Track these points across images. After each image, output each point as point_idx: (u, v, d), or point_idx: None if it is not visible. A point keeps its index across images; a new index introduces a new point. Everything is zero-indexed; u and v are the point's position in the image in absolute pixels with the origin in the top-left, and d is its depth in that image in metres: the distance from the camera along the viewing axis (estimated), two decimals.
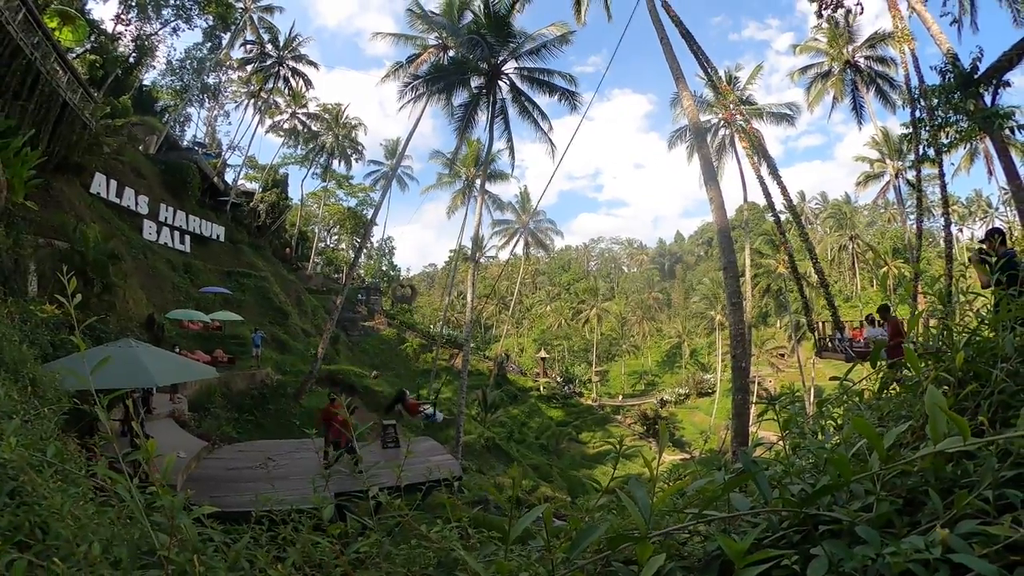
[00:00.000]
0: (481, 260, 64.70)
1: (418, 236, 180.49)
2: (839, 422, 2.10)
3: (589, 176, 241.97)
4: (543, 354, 66.99)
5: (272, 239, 44.44)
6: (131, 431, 7.93)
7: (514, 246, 57.19)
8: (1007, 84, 11.36)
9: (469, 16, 26.11)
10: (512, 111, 27.84)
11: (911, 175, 25.80)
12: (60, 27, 20.39)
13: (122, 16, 33.79)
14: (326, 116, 49.41)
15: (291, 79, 43.25)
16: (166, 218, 29.71)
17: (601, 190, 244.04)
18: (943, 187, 12.82)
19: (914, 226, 17.45)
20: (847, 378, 2.15)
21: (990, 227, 6.84)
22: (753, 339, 40.35)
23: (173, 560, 1.25)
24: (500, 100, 27.19)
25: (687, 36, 14.77)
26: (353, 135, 50.41)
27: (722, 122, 30.47)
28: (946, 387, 1.67)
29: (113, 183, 25.59)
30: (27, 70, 13.55)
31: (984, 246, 4.73)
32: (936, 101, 11.50)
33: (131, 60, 34.11)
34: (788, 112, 31.73)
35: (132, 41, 34.82)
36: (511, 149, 30.92)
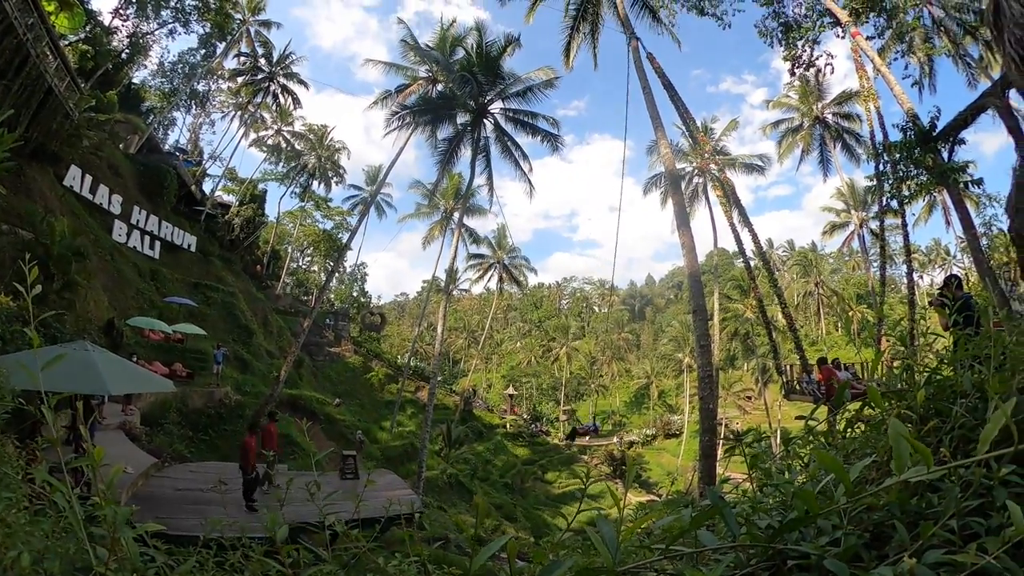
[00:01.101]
0: (454, 293, 64.61)
1: (392, 264, 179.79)
2: (806, 460, 2.13)
3: (565, 216, 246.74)
4: (511, 391, 66.32)
5: (244, 254, 43.53)
6: (77, 439, 7.46)
7: (488, 280, 57.35)
8: (962, 141, 12.41)
9: (461, 52, 26.86)
10: (495, 149, 28.49)
11: (874, 225, 27.46)
12: (57, 12, 20.09)
13: (121, 11, 33.36)
14: (311, 136, 49.48)
15: (280, 95, 43.35)
16: (138, 221, 28.83)
17: (576, 230, 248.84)
18: (906, 236, 13.65)
19: (877, 273, 18.43)
20: (812, 417, 2.20)
21: (948, 274, 7.30)
22: (721, 381, 41.01)
23: None
24: (484, 138, 27.81)
25: (668, 87, 15.55)
26: (336, 158, 50.49)
27: (696, 170, 31.87)
28: (909, 424, 1.72)
29: (88, 178, 24.80)
30: (17, 50, 13.19)
31: (943, 291, 5.03)
32: (898, 156, 12.38)
33: (123, 56, 33.54)
34: (759, 163, 33.45)
35: (127, 37, 34.29)
36: (491, 186, 31.40)
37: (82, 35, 28.15)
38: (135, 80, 39.58)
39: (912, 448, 1.09)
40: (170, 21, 35.78)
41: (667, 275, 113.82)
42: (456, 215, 37.92)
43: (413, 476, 25.28)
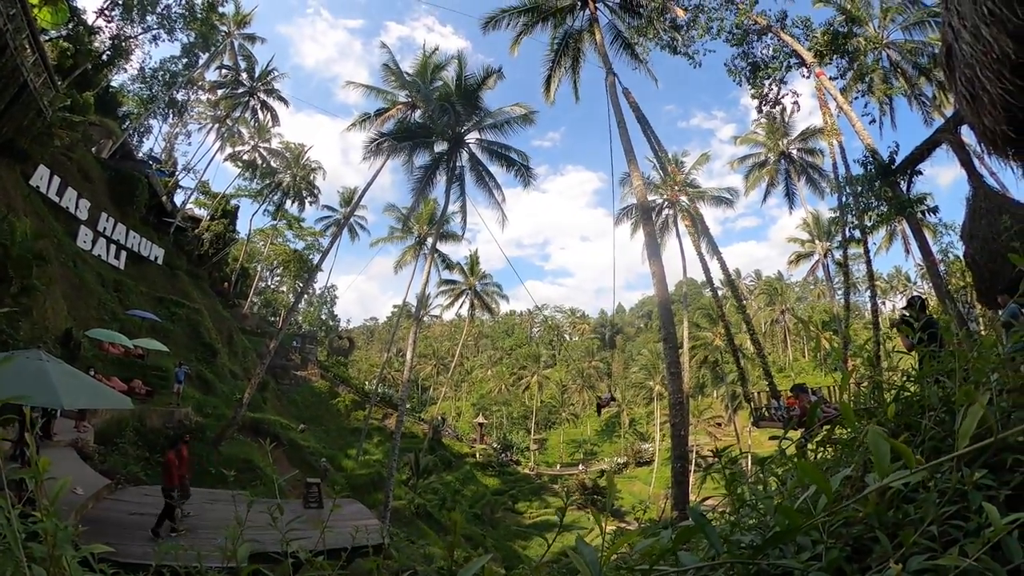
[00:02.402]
0: (425, 319, 63.95)
1: (363, 287, 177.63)
2: (781, 479, 2.15)
3: (537, 245, 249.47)
4: (481, 419, 65.46)
5: (212, 271, 42.34)
6: (23, 455, 6.98)
7: (459, 307, 57.12)
8: (919, 173, 13.21)
9: (441, 80, 27.33)
10: (469, 178, 28.83)
11: (838, 254, 28.71)
12: (40, 5, 19.56)
13: (106, 11, 32.51)
14: (287, 154, 49.09)
15: (259, 111, 43.03)
16: (105, 228, 27.79)
17: (548, 259, 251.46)
18: (868, 264, 14.33)
19: (841, 300, 19.17)
20: (785, 437, 2.24)
21: (912, 295, 7.66)
22: (691, 408, 41.43)
23: None
24: (459, 167, 28.17)
25: (642, 121, 16.11)
26: (311, 177, 50.10)
27: (666, 202, 32.90)
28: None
29: (56, 180, 23.88)
30: None
31: (907, 311, 5.26)
32: (860, 188, 13.11)
33: (104, 58, 32.56)
34: (727, 196, 34.77)
35: (110, 39, 33.26)
36: (464, 213, 31.62)
37: (64, 32, 27.39)
38: (114, 83, 38.70)
39: (892, 452, 1.11)
40: (155, 27, 35.22)
41: (637, 304, 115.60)
42: (430, 240, 37.91)
43: (380, 506, 24.48)
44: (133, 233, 30.23)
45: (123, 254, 29.15)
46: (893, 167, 12.97)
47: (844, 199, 14.18)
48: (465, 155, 28.29)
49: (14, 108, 14.99)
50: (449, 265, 50.73)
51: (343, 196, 52.80)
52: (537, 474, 60.04)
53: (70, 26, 27.89)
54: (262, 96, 42.79)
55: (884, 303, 53.32)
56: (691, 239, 15.50)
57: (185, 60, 41.14)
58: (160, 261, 32.90)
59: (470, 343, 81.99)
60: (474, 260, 55.16)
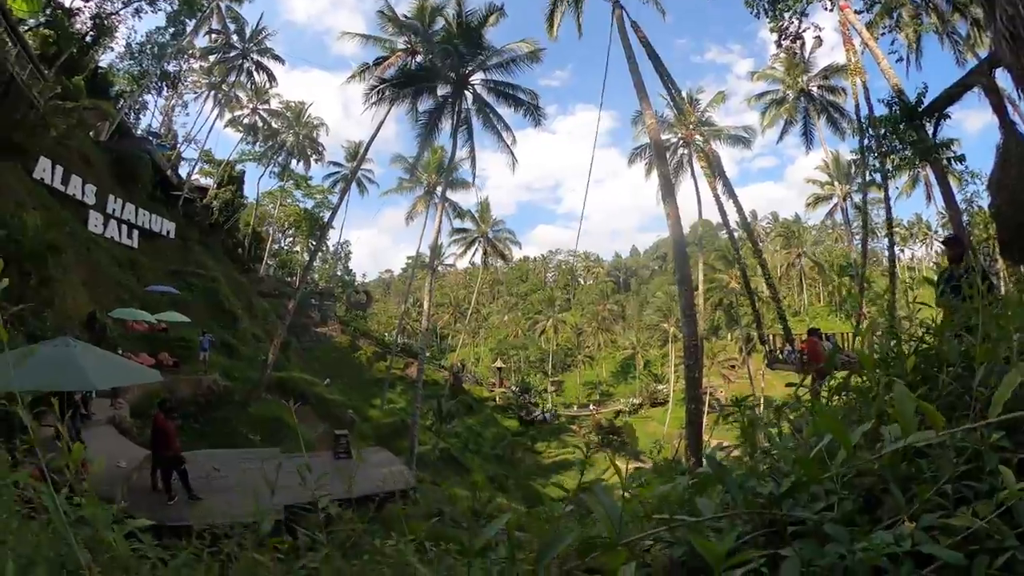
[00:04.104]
0: (439, 268, 64.28)
1: (375, 241, 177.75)
2: (796, 426, 2.15)
3: (549, 188, 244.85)
4: (499, 364, 66.92)
5: (224, 238, 42.60)
6: (68, 438, 7.34)
7: (472, 255, 57.17)
8: (947, 117, 12.43)
9: (441, 22, 26.14)
10: (476, 121, 28.07)
11: (858, 198, 27.76)
12: None
13: None
14: (288, 114, 48.11)
15: (255, 73, 41.88)
16: (114, 210, 27.83)
17: (560, 202, 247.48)
18: (888, 210, 13.86)
19: (859, 245, 18.74)
20: (800, 384, 2.25)
21: (948, 235, 7.42)
22: (705, 351, 41.80)
23: None
24: (465, 110, 27.34)
25: (653, 56, 15.31)
26: (314, 135, 49.30)
27: (681, 141, 31.78)
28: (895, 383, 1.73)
29: (59, 169, 23.71)
30: None
31: (945, 250, 5.12)
32: (883, 130, 12.42)
33: (88, 39, 31.82)
34: (744, 135, 33.45)
35: (91, 19, 32.19)
36: (473, 158, 31.09)
37: (42, 19, 26.68)
38: (102, 64, 37.81)
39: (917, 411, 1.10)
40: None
41: (652, 246, 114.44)
42: (439, 189, 37.51)
43: (406, 452, 25.56)
44: (142, 211, 30.22)
45: (135, 233, 29.32)
46: (920, 109, 12.21)
47: (866, 141, 13.49)
48: (470, 97, 27.44)
49: (4, 104, 14.78)
50: (460, 213, 50.43)
51: (348, 150, 52.01)
52: (555, 415, 61.89)
53: (48, 12, 27.03)
54: (256, 57, 41.44)
55: (903, 250, 52.15)
56: (707, 180, 15.09)
57: (172, 30, 39.69)
58: (172, 235, 33.00)
59: (485, 290, 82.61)
60: (485, 207, 54.72)
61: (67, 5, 30.46)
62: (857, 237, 27.73)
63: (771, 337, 13.05)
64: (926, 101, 12.26)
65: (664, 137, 25.19)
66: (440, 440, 36.08)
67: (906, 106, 12.34)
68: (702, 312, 33.38)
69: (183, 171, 43.15)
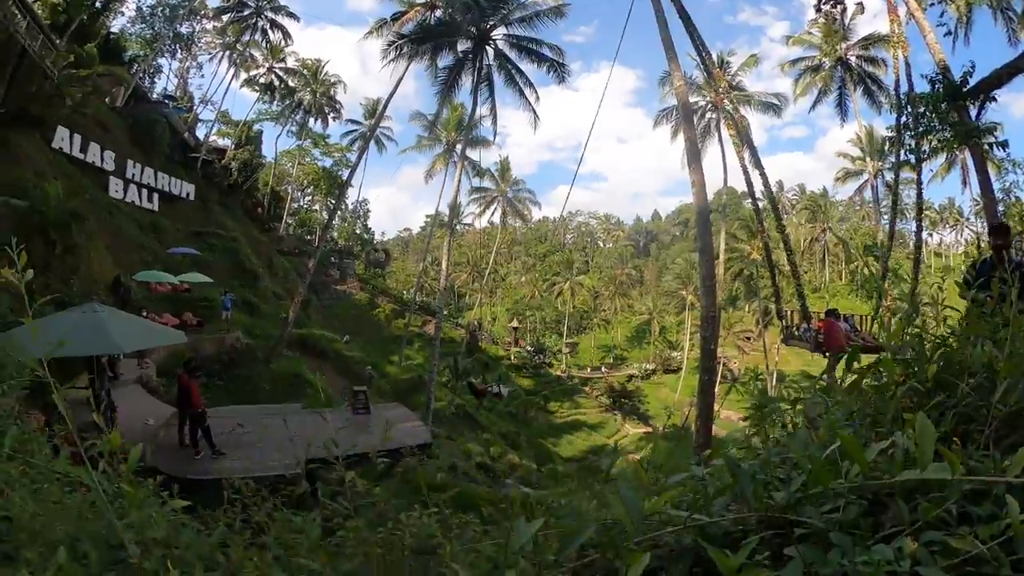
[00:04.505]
0: (457, 227, 64.13)
1: (394, 199, 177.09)
2: (809, 417, 2.14)
3: (571, 148, 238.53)
4: (515, 324, 67.51)
5: (244, 198, 42.90)
6: (96, 399, 7.73)
7: (491, 214, 56.82)
8: (993, 99, 11.61)
9: None
10: (497, 78, 27.31)
11: (889, 176, 26.50)
12: None
13: None
14: (304, 72, 47.25)
15: (269, 31, 40.93)
16: (133, 175, 28.30)
17: (582, 162, 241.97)
18: (919, 193, 13.21)
19: (887, 225, 18.09)
20: (821, 378, 2.23)
21: (997, 222, 7.10)
22: (722, 321, 41.57)
23: (145, 570, 1.22)
24: (486, 66, 26.59)
25: (683, 15, 14.51)
26: (332, 92, 48.53)
27: (709, 105, 30.59)
28: (915, 396, 1.73)
29: (77, 137, 24.15)
30: None
31: (992, 239, 4.88)
32: (923, 108, 11.64)
33: (98, 5, 31.39)
34: (775, 102, 32.06)
35: None
36: (494, 116, 30.54)
37: None
38: (114, 29, 37.27)
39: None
40: None
41: (674, 211, 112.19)
42: (458, 147, 37.00)
43: (422, 408, 26.27)
44: (161, 174, 30.60)
45: (155, 196, 29.76)
46: (964, 89, 11.37)
47: (904, 119, 12.69)
48: (491, 53, 26.65)
49: (19, 76, 14.65)
50: (480, 172, 49.86)
51: (366, 108, 51.33)
52: (569, 376, 62.67)
53: None
54: (270, 15, 40.34)
55: (931, 235, 50.00)
56: (734, 147, 14.54)
57: None
58: (192, 197, 33.41)
59: (503, 250, 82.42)
60: (505, 166, 54.06)
61: None
62: (885, 217, 26.75)
63: (788, 313, 12.85)
64: (972, 81, 11.45)
65: (692, 100, 24.25)
66: (456, 397, 36.93)
67: (950, 84, 11.53)
68: (722, 282, 32.95)
69: (200, 133, 43.10)
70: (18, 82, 14.74)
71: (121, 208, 26.13)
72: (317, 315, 39.15)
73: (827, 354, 8.43)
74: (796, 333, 11.94)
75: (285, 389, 19.75)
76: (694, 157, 12.15)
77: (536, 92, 28.02)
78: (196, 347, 17.45)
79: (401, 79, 25.76)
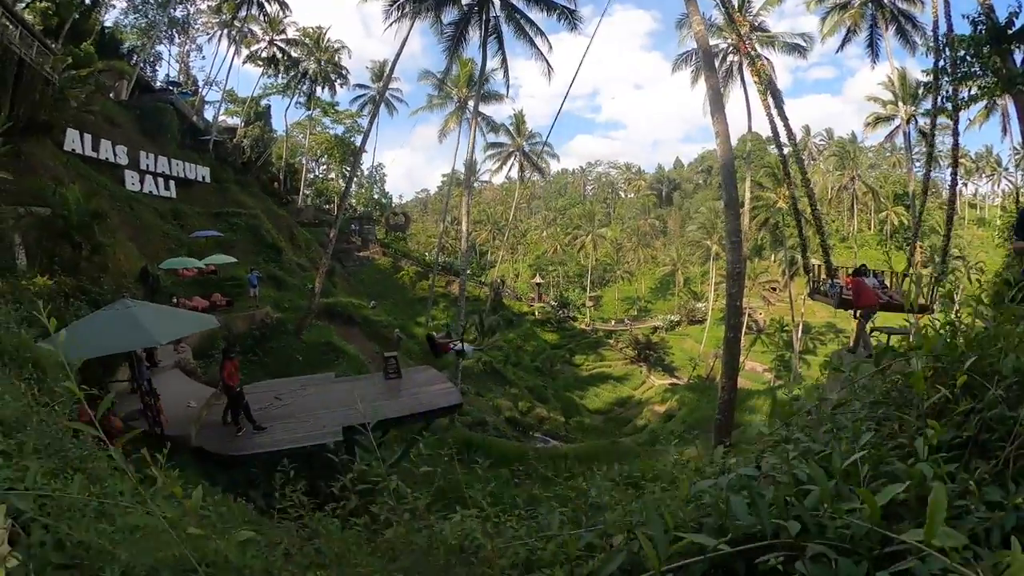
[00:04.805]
0: (475, 185, 63.38)
1: (408, 160, 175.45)
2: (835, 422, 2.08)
3: (586, 96, 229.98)
4: (538, 280, 67.57)
5: (259, 174, 43.07)
6: (139, 388, 8.14)
7: (509, 169, 55.81)
8: None
9: None
10: (506, 29, 26.36)
11: (923, 122, 24.73)
12: None
13: None
14: (306, 41, 46.11)
15: (266, 4, 39.83)
16: (147, 166, 28.74)
17: (599, 111, 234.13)
18: (955, 140, 12.28)
19: (919, 174, 17.00)
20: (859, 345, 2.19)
21: None
22: (747, 271, 40.71)
23: None
24: (493, 18, 25.60)
25: None
26: (336, 59, 47.42)
27: (731, 47, 28.83)
28: (944, 396, 1.67)
29: (87, 137, 24.53)
30: None
31: None
32: (963, 52, 10.68)
33: (87, 1, 31.19)
34: (801, 43, 29.97)
35: None
36: (505, 69, 29.68)
37: None
38: (107, 23, 37.24)
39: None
40: None
41: (696, 158, 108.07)
42: (471, 104, 36.09)
43: (451, 366, 26.76)
44: (175, 161, 30.90)
45: (171, 183, 30.18)
46: (1010, 32, 10.39)
47: (941, 62, 11.64)
48: (498, 3, 25.58)
49: (20, 87, 14.51)
50: (494, 127, 48.61)
51: (373, 71, 50.21)
52: (593, 329, 62.98)
53: None
54: None
55: (965, 184, 46.93)
56: (758, 92, 13.75)
57: None
58: (207, 179, 33.71)
59: (523, 205, 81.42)
60: (520, 120, 52.63)
61: None
62: (917, 164, 25.02)
63: (815, 267, 12.49)
64: (1018, 22, 10.45)
65: (712, 43, 22.79)
66: (483, 354, 37.55)
67: (994, 26, 10.51)
68: (747, 232, 32.01)
69: (209, 114, 43.05)
70: (21, 93, 14.71)
71: (140, 199, 26.66)
72: (342, 283, 39.84)
73: (857, 313, 8.23)
74: (822, 289, 11.65)
75: (318, 358, 20.31)
76: (717, 107, 11.57)
77: (548, 41, 26.97)
78: (228, 326, 17.96)
79: (406, 39, 24.92)
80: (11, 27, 14.11)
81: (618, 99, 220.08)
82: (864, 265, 10.84)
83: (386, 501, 1.90)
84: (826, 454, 1.55)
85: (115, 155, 26.48)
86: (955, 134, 12.14)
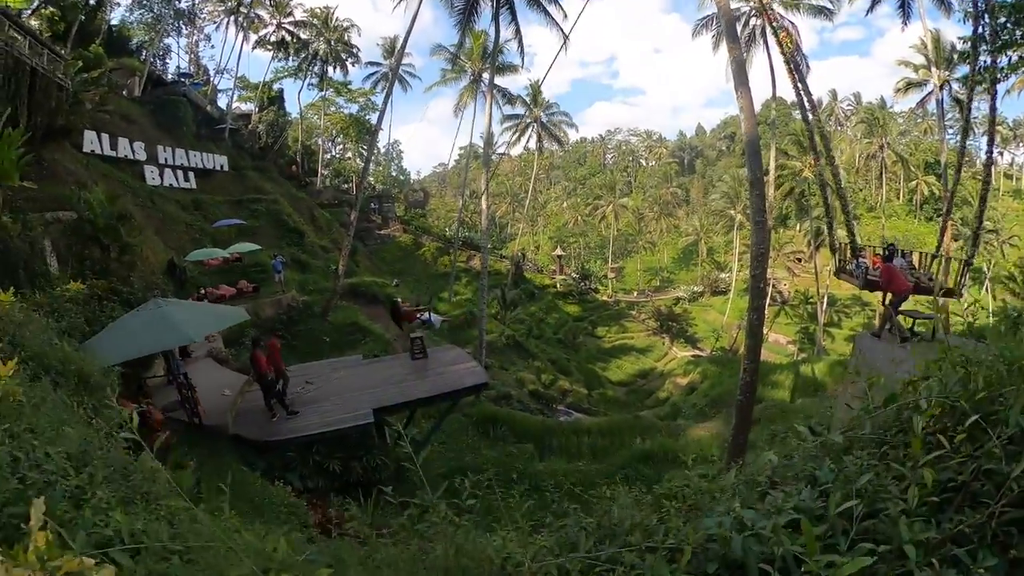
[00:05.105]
0: (493, 157, 62.64)
1: (424, 133, 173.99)
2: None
3: (603, 62, 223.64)
4: (559, 251, 67.26)
5: (276, 159, 43.39)
6: (175, 381, 8.65)
7: (527, 141, 54.97)
8: None
9: None
10: None
11: (957, 88, 23.10)
12: None
13: None
14: (314, 22, 45.61)
15: None
16: (166, 159, 29.24)
17: (616, 76, 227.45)
18: (992, 105, 11.54)
19: (952, 141, 16.05)
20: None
21: None
22: (771, 242, 39.68)
23: None
24: None
25: None
26: (346, 38, 46.89)
27: (753, 10, 27.40)
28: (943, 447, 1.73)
29: (105, 137, 24.98)
30: None
31: None
32: (1003, 19, 9.97)
33: (92, 2, 31.19)
34: (827, 6, 28.25)
35: None
36: (520, 39, 29.05)
37: (38, 1, 26.41)
38: (114, 22, 37.36)
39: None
40: None
41: (719, 124, 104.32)
42: (486, 76, 35.47)
43: (475, 341, 27.00)
44: (192, 152, 31.29)
45: (190, 174, 30.60)
46: None
47: (980, 29, 10.85)
48: None
49: (35, 95, 14.74)
50: (510, 99, 47.81)
51: (384, 47, 49.63)
52: (615, 301, 62.71)
53: None
54: None
55: (1001, 153, 43.78)
56: (786, 66, 13.09)
57: None
58: (226, 168, 34.05)
59: (541, 176, 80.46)
60: (536, 90, 51.55)
61: None
62: (951, 131, 23.47)
63: (841, 245, 12.14)
64: None
65: (734, 6, 21.73)
66: (506, 328, 37.86)
67: None
68: (772, 203, 30.97)
69: (222, 103, 43.23)
70: (37, 101, 15.00)
71: (161, 193, 27.18)
72: (365, 262, 40.32)
73: (886, 298, 8.04)
74: (847, 268, 11.37)
75: (345, 339, 20.74)
76: (741, 80, 11.12)
77: (563, 9, 26.28)
78: (256, 312, 18.39)
79: (416, 15, 24.50)
80: (20, 38, 14.37)
81: (637, 64, 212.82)
82: (892, 245, 10.53)
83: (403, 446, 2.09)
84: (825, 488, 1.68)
85: (133, 152, 27.05)
86: (992, 105, 11.49)
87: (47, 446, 2.55)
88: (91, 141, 23.95)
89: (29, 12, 24.91)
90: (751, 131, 11.05)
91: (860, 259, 10.85)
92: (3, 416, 2.84)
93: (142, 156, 27.60)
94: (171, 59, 48.70)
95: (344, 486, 10.79)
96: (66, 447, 2.68)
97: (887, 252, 9.14)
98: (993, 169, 12.03)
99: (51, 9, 26.91)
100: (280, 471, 10.09)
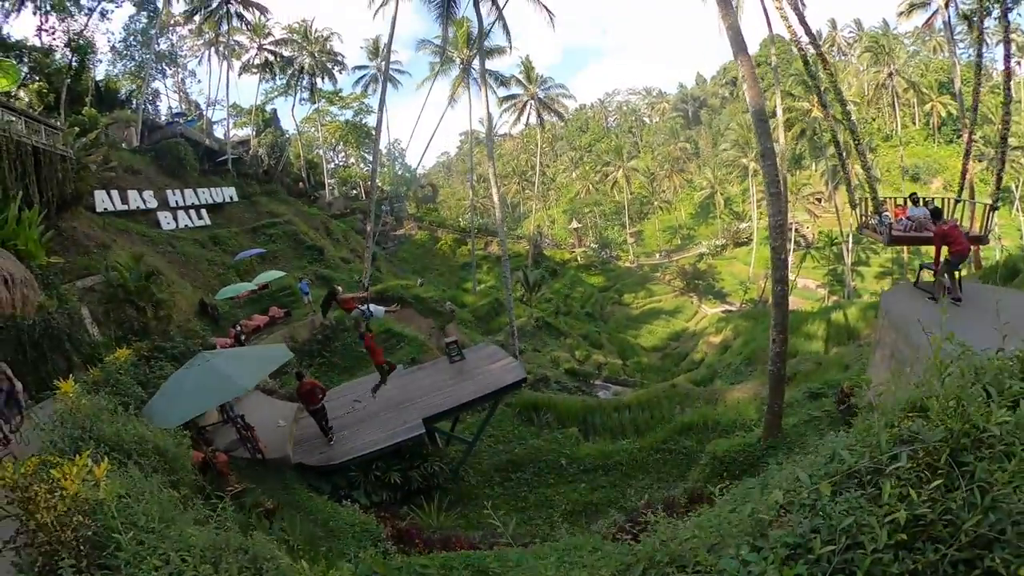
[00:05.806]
0: (495, 139, 62.01)
1: (423, 124, 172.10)
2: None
3: (591, 21, 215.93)
4: (575, 224, 66.82)
5: (282, 179, 43.76)
6: (231, 421, 9.28)
7: (527, 119, 54.25)
8: None
9: None
10: None
11: (963, 4, 21.70)
12: None
13: (43, 27, 31.16)
14: (295, 37, 45.71)
15: (244, 13, 39.40)
16: (176, 202, 29.84)
17: (606, 34, 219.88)
18: (1004, 12, 10.98)
19: (964, 56, 14.97)
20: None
21: None
22: (788, 185, 38.59)
23: None
24: None
25: None
26: (329, 47, 46.95)
27: None
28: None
29: (115, 193, 25.57)
30: None
31: None
32: None
33: (74, 65, 31.69)
34: None
35: (66, 46, 32.02)
36: (504, 22, 28.81)
37: (24, 71, 27.37)
38: (99, 78, 37.89)
39: None
40: (95, 4, 33.17)
41: (718, 71, 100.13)
42: (475, 63, 35.11)
43: (505, 328, 27.04)
44: (200, 189, 31.91)
45: (203, 211, 31.16)
46: None
47: None
48: None
49: (42, 173, 15.22)
50: (503, 81, 47.27)
51: (368, 49, 49.36)
52: (638, 265, 62.26)
53: (26, 62, 27.46)
54: None
55: (1019, 63, 40.50)
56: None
57: (144, 12, 39.33)
58: (235, 197, 34.66)
59: (546, 149, 79.39)
60: (528, 67, 50.81)
61: (38, 46, 30.42)
62: (961, 45, 21.87)
63: (861, 201, 11.86)
64: None
65: None
66: (533, 310, 38.00)
67: None
68: (782, 141, 29.95)
69: (219, 133, 43.93)
70: (44, 177, 15.47)
71: (178, 235, 27.81)
72: (386, 265, 40.88)
73: (940, 262, 7.75)
74: (871, 223, 11.11)
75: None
76: (740, 47, 10.75)
77: None
78: (292, 336, 18.93)
79: (395, 16, 24.38)
80: (15, 119, 14.80)
81: (625, 17, 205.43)
82: (915, 194, 10.25)
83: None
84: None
85: (144, 201, 27.65)
86: (1004, 11, 10.84)
87: (180, 551, 2.96)
88: (102, 200, 24.52)
89: (15, 89, 25.59)
90: (756, 100, 10.80)
91: (883, 212, 10.65)
92: (132, 524, 3.25)
93: (153, 203, 28.25)
94: (161, 101, 50.06)
95: (407, 495, 11.42)
96: (193, 542, 3.09)
97: (934, 212, 8.85)
98: (1012, 81, 11.36)
99: (38, 82, 27.79)
100: (346, 490, 10.74)
